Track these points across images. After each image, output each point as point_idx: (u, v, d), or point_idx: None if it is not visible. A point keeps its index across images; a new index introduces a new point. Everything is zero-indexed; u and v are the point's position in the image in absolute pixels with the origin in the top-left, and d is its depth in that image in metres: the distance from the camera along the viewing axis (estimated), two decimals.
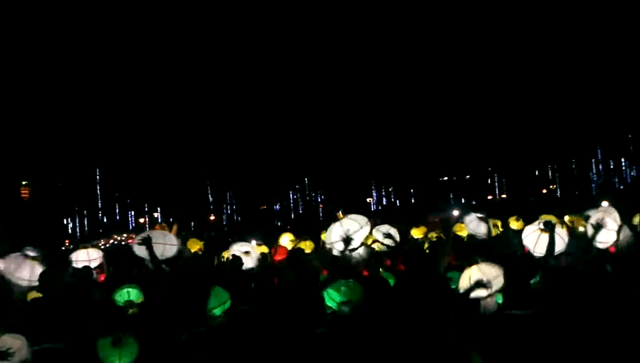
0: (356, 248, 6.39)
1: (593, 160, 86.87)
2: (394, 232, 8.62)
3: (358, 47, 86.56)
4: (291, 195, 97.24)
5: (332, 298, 5.28)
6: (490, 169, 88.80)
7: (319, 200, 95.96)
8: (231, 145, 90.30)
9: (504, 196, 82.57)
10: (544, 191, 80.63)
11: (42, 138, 72.95)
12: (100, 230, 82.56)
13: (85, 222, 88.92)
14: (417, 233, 11.00)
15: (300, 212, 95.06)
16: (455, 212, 24.20)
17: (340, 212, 6.41)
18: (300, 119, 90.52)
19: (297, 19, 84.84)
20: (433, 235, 10.66)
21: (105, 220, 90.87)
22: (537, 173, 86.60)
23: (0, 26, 62.49)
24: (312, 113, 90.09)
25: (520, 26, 78.30)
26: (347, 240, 6.00)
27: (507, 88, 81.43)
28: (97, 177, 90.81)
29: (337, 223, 6.21)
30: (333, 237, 6.18)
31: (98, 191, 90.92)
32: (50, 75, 72.53)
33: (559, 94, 78.75)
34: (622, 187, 77.85)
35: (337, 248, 6.23)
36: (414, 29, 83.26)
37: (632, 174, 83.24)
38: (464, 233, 10.12)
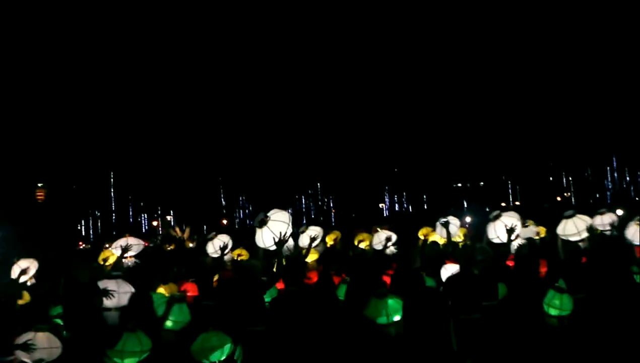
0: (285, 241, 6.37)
1: (608, 168, 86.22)
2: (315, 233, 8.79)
3: (369, 52, 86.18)
4: (303, 200, 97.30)
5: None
6: (504, 175, 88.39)
7: (331, 205, 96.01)
8: (244, 150, 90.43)
9: (517, 203, 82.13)
10: (559, 199, 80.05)
11: (57, 141, 73.49)
12: (114, 233, 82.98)
13: (99, 224, 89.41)
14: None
15: (312, 216, 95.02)
16: (469, 219, 24.03)
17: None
18: (313, 123, 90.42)
19: (305, 24, 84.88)
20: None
21: (118, 222, 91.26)
22: (551, 180, 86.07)
23: (12, 28, 62.93)
24: (325, 118, 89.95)
25: (535, 34, 77.73)
26: (281, 242, 5.99)
27: (522, 94, 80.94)
28: (112, 179, 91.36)
29: (265, 228, 6.16)
30: (266, 241, 6.14)
31: (112, 194, 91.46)
32: (64, 79, 73.00)
33: (575, 100, 78.13)
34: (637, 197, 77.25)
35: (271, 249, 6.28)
36: (424, 35, 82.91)
37: None
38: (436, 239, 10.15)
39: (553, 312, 6.27)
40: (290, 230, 6.29)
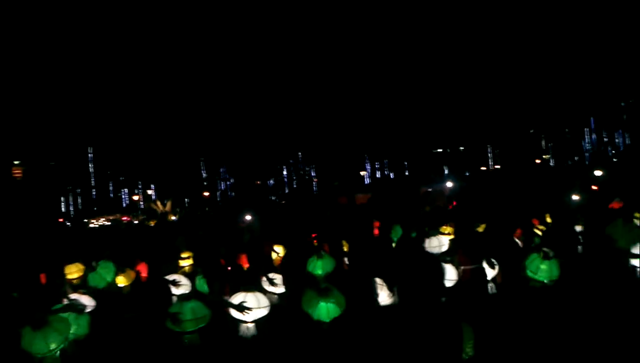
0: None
1: (586, 129, 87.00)
2: None
3: (350, 23, 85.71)
4: (285, 170, 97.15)
5: None
6: (483, 140, 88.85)
7: (313, 174, 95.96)
8: (224, 121, 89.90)
9: (497, 167, 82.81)
10: (538, 161, 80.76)
11: (35, 117, 72.42)
12: (95, 209, 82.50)
13: (79, 200, 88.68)
14: None
15: (294, 186, 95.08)
16: (449, 184, 24.20)
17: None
18: (293, 93, 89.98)
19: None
20: None
21: (99, 198, 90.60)
22: (530, 143, 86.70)
23: None
24: (304, 87, 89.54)
25: (511, 3, 77.66)
26: (240, 307, 5.83)
27: (499, 59, 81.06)
28: (90, 155, 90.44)
29: (252, 295, 5.97)
30: (236, 299, 5.96)
31: (91, 169, 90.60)
32: (41, 55, 71.77)
33: (552, 64, 78.47)
34: (614, 157, 78.30)
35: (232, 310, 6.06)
36: (402, 5, 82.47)
37: (625, 142, 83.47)
38: None
39: (542, 277, 6.29)
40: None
